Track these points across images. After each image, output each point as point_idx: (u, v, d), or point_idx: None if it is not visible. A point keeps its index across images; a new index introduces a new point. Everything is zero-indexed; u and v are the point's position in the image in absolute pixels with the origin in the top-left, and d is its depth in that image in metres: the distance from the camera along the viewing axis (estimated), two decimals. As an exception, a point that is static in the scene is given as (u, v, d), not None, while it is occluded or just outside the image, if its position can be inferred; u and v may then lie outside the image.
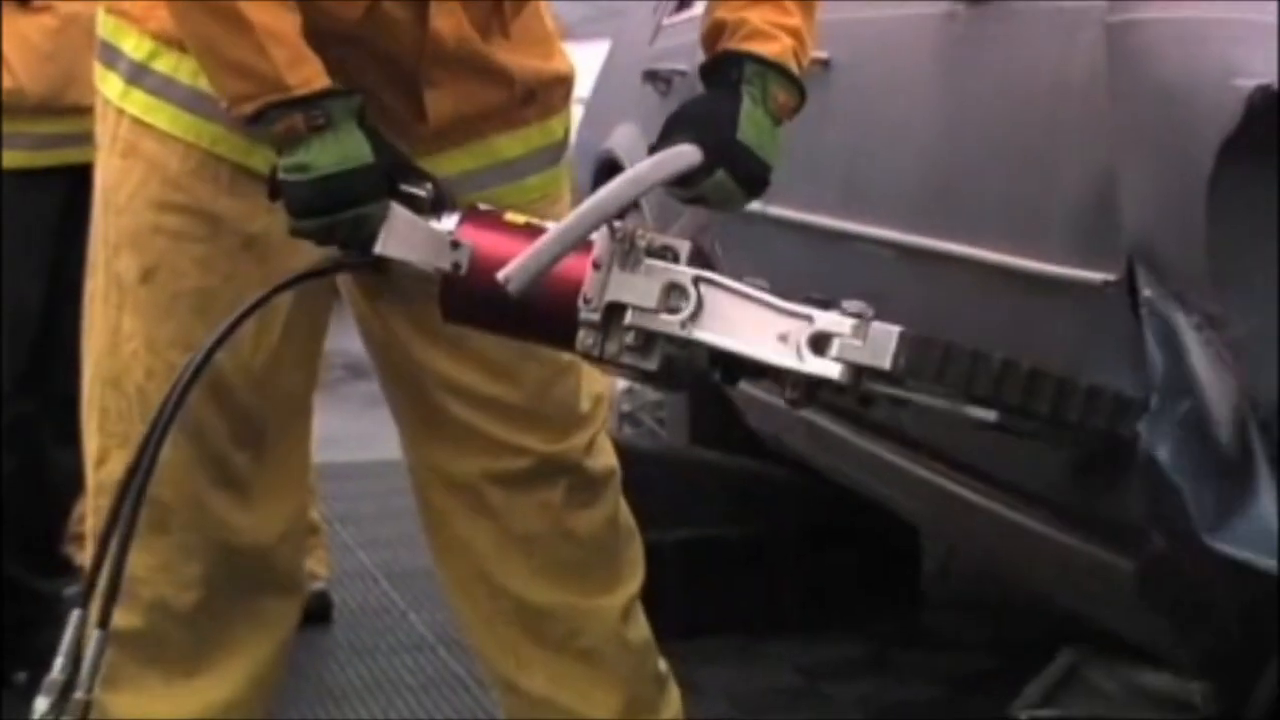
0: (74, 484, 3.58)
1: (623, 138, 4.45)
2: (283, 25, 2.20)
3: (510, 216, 2.27)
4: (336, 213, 2.20)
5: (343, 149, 2.19)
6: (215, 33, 2.20)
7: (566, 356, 2.47)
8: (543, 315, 2.20)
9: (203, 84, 2.32)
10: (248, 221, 2.36)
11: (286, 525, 2.49)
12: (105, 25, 2.44)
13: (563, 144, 2.56)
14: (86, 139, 3.53)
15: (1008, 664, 3.59)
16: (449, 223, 2.25)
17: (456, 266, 2.22)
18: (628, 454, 2.68)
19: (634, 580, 2.64)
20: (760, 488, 4.10)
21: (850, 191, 3.22)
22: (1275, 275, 2.13)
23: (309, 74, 2.21)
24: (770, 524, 4.05)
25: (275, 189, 2.24)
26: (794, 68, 2.34)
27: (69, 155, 3.56)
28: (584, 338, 2.17)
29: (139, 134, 2.40)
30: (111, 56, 2.43)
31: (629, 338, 2.15)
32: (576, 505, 2.55)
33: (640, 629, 2.63)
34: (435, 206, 2.25)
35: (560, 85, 2.54)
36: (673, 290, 2.15)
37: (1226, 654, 2.27)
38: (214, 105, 2.32)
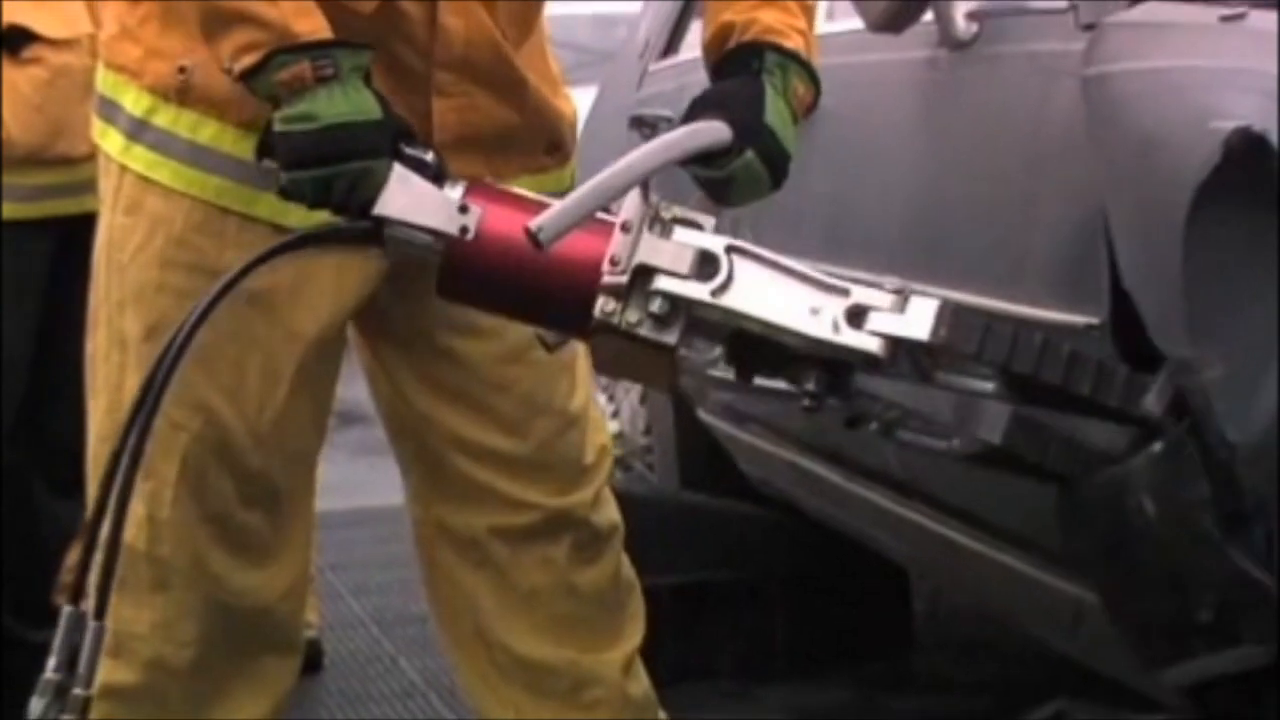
0: (67, 535, 3.60)
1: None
2: None
3: (519, 191, 2.17)
4: (338, 164, 2.11)
5: (351, 102, 2.12)
6: None
7: (574, 408, 2.46)
8: (554, 289, 2.08)
9: (202, 137, 2.31)
10: (254, 275, 2.34)
11: (291, 582, 2.48)
12: (104, 80, 2.43)
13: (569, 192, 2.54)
14: (76, 190, 3.56)
15: (998, 706, 3.59)
16: (456, 190, 2.14)
17: (464, 231, 2.10)
18: (618, 499, 2.67)
19: (635, 634, 2.62)
20: (750, 531, 4.10)
21: (833, 236, 3.23)
22: (1252, 317, 2.14)
23: (316, 24, 2.15)
24: (760, 568, 4.04)
25: (266, 145, 2.16)
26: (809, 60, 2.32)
27: (58, 206, 3.57)
28: (604, 304, 2.03)
29: (142, 191, 2.37)
30: (111, 112, 2.41)
31: (655, 305, 2.02)
32: (580, 561, 2.54)
33: (641, 682, 2.61)
34: (438, 177, 2.14)
35: (571, 129, 2.53)
36: (705, 258, 2.04)
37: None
38: (214, 157, 2.31)
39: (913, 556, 3.42)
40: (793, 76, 2.29)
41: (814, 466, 3.43)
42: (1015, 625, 3.15)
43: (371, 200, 2.11)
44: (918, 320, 2.00)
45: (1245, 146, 2.07)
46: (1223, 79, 2.21)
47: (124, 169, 2.40)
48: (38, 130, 3.54)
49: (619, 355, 2.11)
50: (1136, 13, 2.47)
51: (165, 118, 2.35)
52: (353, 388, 2.65)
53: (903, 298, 2.01)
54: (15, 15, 3.51)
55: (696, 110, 2.24)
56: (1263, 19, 2.24)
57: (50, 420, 3.65)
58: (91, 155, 3.53)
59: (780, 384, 2.10)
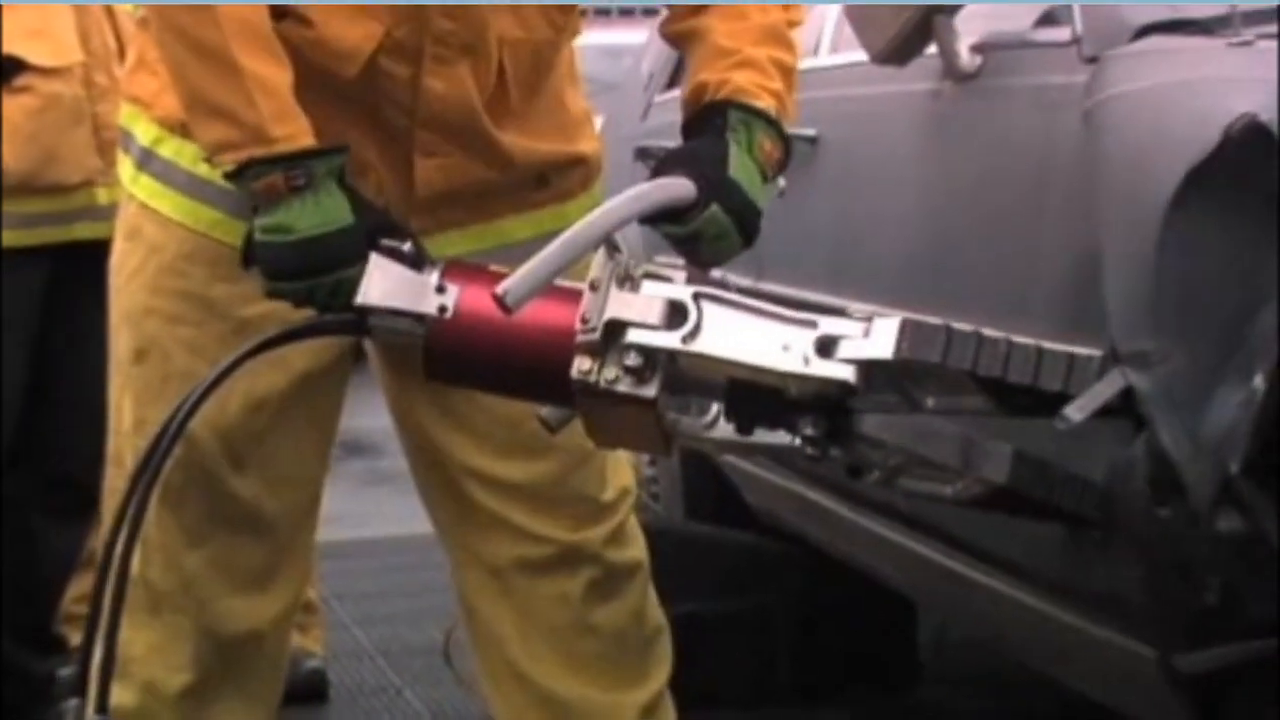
0: (68, 563, 3.60)
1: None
2: (274, 76, 2.19)
3: (495, 267, 2.19)
4: (315, 276, 2.17)
5: (323, 211, 2.16)
6: (205, 76, 2.19)
7: (589, 443, 2.46)
8: (533, 358, 2.11)
9: (202, 170, 2.33)
10: (241, 306, 2.35)
11: (284, 608, 2.49)
12: (124, 112, 2.47)
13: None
14: (67, 218, 3.58)
15: (1004, 738, 3.59)
16: (433, 273, 2.18)
17: (442, 310, 2.14)
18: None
19: (660, 676, 2.60)
20: (755, 562, 4.09)
21: (838, 267, 3.23)
22: (1220, 310, 2.12)
23: (294, 129, 2.18)
24: (765, 598, 4.04)
25: (249, 252, 2.20)
26: (777, 118, 2.33)
27: (50, 234, 3.58)
28: (580, 364, 2.06)
29: (143, 218, 2.41)
30: (127, 142, 2.45)
31: (629, 358, 2.04)
32: (597, 598, 2.53)
33: None
34: (416, 263, 2.19)
35: (579, 168, 2.51)
36: (674, 307, 2.06)
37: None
38: (213, 190, 2.33)
39: (918, 588, 3.42)
40: (758, 133, 2.30)
41: (819, 498, 3.43)
42: (1021, 658, 3.14)
43: (350, 300, 2.16)
44: (881, 340, 2.01)
45: (1247, 135, 2.06)
46: (1226, 86, 2.21)
47: (132, 197, 2.44)
48: (30, 158, 3.54)
49: (608, 421, 2.12)
50: (1140, 44, 2.47)
51: (170, 149, 2.38)
52: (357, 418, 2.65)
53: (868, 322, 2.02)
54: (7, 44, 3.51)
55: (662, 168, 2.27)
56: (1269, 45, 2.25)
57: (47, 448, 3.65)
58: (82, 183, 3.58)
59: (781, 437, 2.11)
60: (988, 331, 2.04)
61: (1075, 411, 2.04)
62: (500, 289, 2.02)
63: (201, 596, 2.41)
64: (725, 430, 2.15)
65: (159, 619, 2.40)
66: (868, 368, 2.03)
